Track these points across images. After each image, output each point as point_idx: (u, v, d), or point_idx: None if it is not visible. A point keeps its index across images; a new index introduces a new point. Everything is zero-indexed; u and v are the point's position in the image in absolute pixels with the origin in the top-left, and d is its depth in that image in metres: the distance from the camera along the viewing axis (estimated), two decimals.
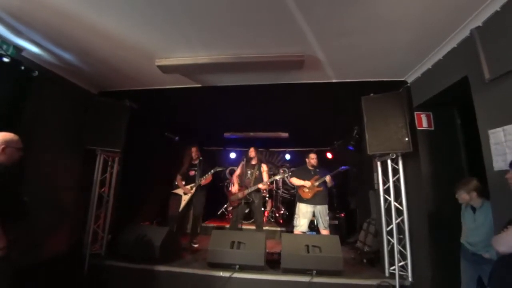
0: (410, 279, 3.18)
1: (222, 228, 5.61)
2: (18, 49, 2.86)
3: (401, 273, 3.18)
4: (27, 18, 2.41)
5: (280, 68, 3.16)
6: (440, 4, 2.12)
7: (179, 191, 4.60)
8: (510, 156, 1.89)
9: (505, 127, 1.96)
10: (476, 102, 2.28)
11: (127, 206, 4.60)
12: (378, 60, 3.04)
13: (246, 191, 4.36)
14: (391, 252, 3.33)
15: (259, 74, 3.37)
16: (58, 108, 3.43)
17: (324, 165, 4.84)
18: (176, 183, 4.68)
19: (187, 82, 3.66)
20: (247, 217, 5.76)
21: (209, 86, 3.78)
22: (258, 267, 3.28)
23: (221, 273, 3.23)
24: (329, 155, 7.03)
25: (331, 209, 5.27)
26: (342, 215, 5.65)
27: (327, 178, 4.25)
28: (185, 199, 4.52)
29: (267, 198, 6.88)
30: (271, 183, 7.19)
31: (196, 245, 4.50)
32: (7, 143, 1.93)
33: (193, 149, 4.71)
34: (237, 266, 3.25)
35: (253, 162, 4.56)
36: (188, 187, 4.55)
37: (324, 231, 4.22)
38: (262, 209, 5.74)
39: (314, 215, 4.31)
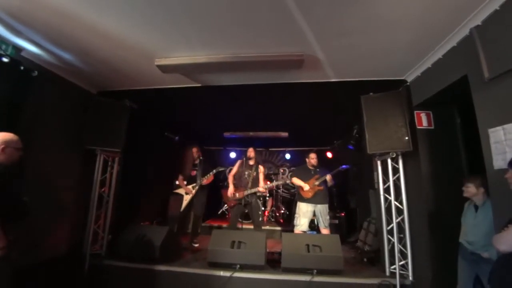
0: (410, 278, 3.18)
1: (223, 227, 5.61)
2: (18, 49, 2.85)
3: (401, 272, 3.18)
4: (27, 18, 2.41)
5: (280, 67, 3.16)
6: (440, 3, 2.12)
7: (181, 191, 4.61)
8: (510, 155, 1.89)
9: (505, 125, 1.96)
10: (476, 101, 2.28)
11: (127, 206, 4.60)
12: (377, 60, 3.04)
13: (246, 192, 4.33)
14: (391, 251, 3.34)
15: (258, 73, 3.37)
16: (57, 108, 3.43)
17: (324, 165, 4.84)
18: (178, 183, 4.68)
19: (186, 82, 3.66)
20: (248, 217, 5.75)
21: (208, 86, 3.78)
22: (258, 266, 3.28)
23: (221, 273, 3.23)
24: (329, 155, 7.04)
25: (332, 209, 5.27)
26: (343, 214, 5.66)
27: (328, 177, 4.26)
28: (186, 199, 4.52)
29: (267, 198, 6.88)
30: (271, 181, 7.20)
31: (196, 245, 4.50)
32: (7, 143, 1.93)
33: (194, 150, 4.71)
34: (238, 266, 3.25)
35: (251, 162, 4.52)
36: (190, 187, 4.55)
37: (325, 230, 4.23)
38: (263, 208, 5.74)
39: (314, 215, 4.31)
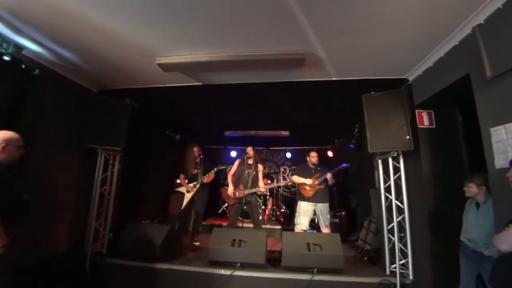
0: (411, 277, 3.18)
1: (223, 226, 5.62)
2: (19, 47, 2.85)
3: (402, 271, 3.18)
4: (28, 16, 2.41)
5: (281, 66, 3.16)
6: (442, 2, 2.11)
7: (182, 189, 4.61)
8: None
9: (507, 125, 1.96)
10: (478, 100, 2.27)
11: (128, 204, 4.61)
12: (379, 58, 3.03)
13: (246, 191, 4.34)
14: (392, 250, 3.34)
15: (260, 72, 3.37)
16: (58, 107, 3.43)
17: (325, 163, 4.84)
18: (179, 181, 4.68)
19: (187, 80, 3.66)
20: (247, 216, 5.76)
21: (209, 84, 3.78)
22: (259, 265, 3.28)
23: (222, 271, 3.24)
24: (330, 154, 7.03)
25: (332, 207, 5.27)
26: (343, 213, 5.65)
27: (328, 176, 4.26)
28: (187, 197, 4.53)
29: (268, 197, 6.89)
30: (272, 180, 7.22)
31: (197, 243, 4.51)
32: (8, 142, 1.93)
33: (195, 148, 4.71)
34: (238, 264, 3.26)
35: (250, 161, 4.53)
36: (191, 185, 4.56)
37: (325, 229, 4.23)
38: (263, 207, 5.76)
39: (315, 213, 4.31)
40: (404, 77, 3.45)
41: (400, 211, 3.36)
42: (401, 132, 3.16)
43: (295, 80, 3.57)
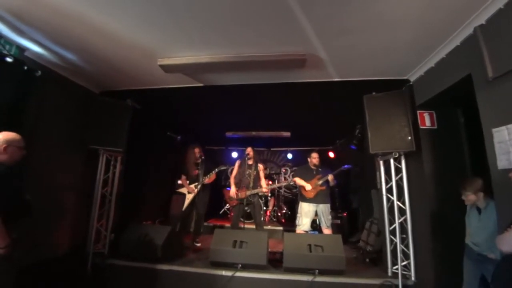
0: (413, 278, 3.17)
1: (225, 227, 5.62)
2: (21, 49, 2.87)
3: (404, 272, 3.17)
4: (30, 18, 2.42)
5: (282, 67, 3.16)
6: (443, 2, 2.11)
7: (183, 190, 4.62)
8: None
9: (509, 125, 1.95)
10: (480, 101, 2.26)
11: (130, 205, 4.62)
12: (380, 59, 3.03)
13: (248, 192, 4.34)
14: (393, 251, 3.32)
15: (261, 73, 3.37)
16: (60, 108, 3.45)
17: (326, 164, 4.83)
18: (180, 182, 4.69)
19: (189, 82, 3.67)
20: (249, 217, 5.76)
21: (211, 86, 3.78)
22: (260, 266, 3.28)
23: (223, 272, 3.24)
24: (331, 154, 7.01)
25: (334, 209, 5.26)
26: (345, 214, 5.64)
27: (329, 177, 4.25)
28: (189, 198, 4.54)
29: (269, 198, 6.88)
30: (273, 181, 7.21)
31: (198, 244, 4.51)
32: (9, 142, 1.93)
33: (196, 149, 4.71)
34: (239, 265, 3.25)
35: (250, 162, 4.55)
36: (192, 186, 4.56)
37: (327, 230, 4.22)
38: (264, 208, 5.75)
39: (316, 214, 4.31)
40: (405, 77, 3.44)
41: (402, 212, 3.35)
42: (402, 133, 3.16)
43: (296, 81, 3.57)
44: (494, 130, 2.09)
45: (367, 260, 3.92)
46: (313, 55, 2.92)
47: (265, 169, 4.66)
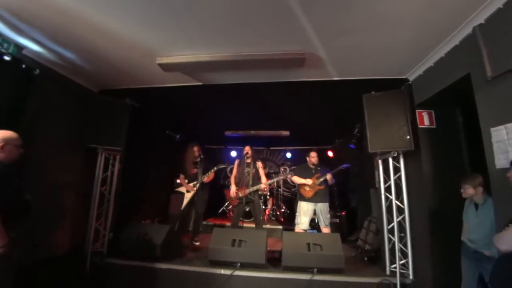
0: (411, 277, 3.18)
1: (223, 226, 5.63)
2: (19, 47, 2.86)
3: (402, 271, 3.18)
4: (28, 16, 2.41)
5: (281, 66, 3.15)
6: (442, 1, 2.11)
7: (182, 189, 4.61)
8: None
9: (507, 125, 1.96)
10: (478, 100, 2.27)
11: (129, 204, 4.61)
12: (379, 58, 3.03)
13: (247, 191, 4.36)
14: (392, 250, 3.33)
15: (260, 72, 3.36)
16: (59, 107, 3.43)
17: (325, 163, 4.84)
18: (179, 181, 4.69)
19: (188, 80, 3.66)
20: (248, 216, 5.76)
21: (210, 84, 3.78)
22: (259, 265, 3.28)
23: (222, 271, 3.24)
24: (330, 154, 7.02)
25: (332, 207, 5.28)
26: (343, 213, 5.65)
27: (328, 177, 4.26)
28: (188, 197, 4.53)
29: (268, 197, 6.89)
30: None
31: (197, 243, 4.51)
32: (6, 141, 1.93)
33: (195, 148, 4.71)
34: (238, 264, 3.26)
35: (248, 160, 4.57)
36: (191, 185, 4.56)
37: (325, 229, 4.23)
38: (263, 207, 5.76)
39: (315, 213, 4.32)
40: (404, 77, 3.45)
41: (400, 211, 3.36)
42: (401, 132, 3.16)
43: (295, 80, 3.56)
44: (492, 129, 2.09)
45: (366, 258, 3.94)
46: (313, 54, 2.92)
47: (264, 168, 4.67)
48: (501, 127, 2.01)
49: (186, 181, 4.62)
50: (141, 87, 3.98)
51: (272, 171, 7.92)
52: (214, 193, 5.92)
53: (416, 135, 3.16)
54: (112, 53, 3.05)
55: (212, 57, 3.00)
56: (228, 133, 6.42)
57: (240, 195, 4.40)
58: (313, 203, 4.26)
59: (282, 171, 7.83)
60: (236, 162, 4.75)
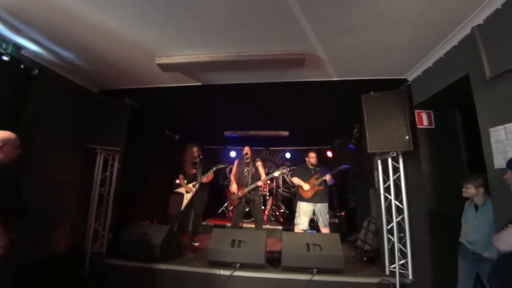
0: (410, 277, 3.19)
1: (223, 226, 5.62)
2: (18, 47, 2.85)
3: (401, 271, 3.18)
4: (27, 16, 2.40)
5: (281, 66, 3.15)
6: (441, 2, 2.11)
7: (182, 189, 4.61)
8: (511, 154, 1.89)
9: (506, 125, 1.96)
10: (477, 100, 2.27)
11: (128, 204, 4.60)
12: (378, 58, 3.03)
13: (246, 189, 4.38)
14: (391, 250, 3.34)
15: (259, 72, 3.37)
16: (58, 107, 3.42)
17: (324, 164, 4.84)
18: (178, 181, 4.68)
19: (187, 81, 3.66)
20: (248, 216, 5.76)
21: (209, 85, 3.77)
22: (258, 265, 3.28)
23: (221, 271, 3.24)
24: (329, 154, 7.03)
25: (332, 208, 5.28)
26: (343, 213, 5.65)
27: (327, 177, 4.26)
28: (187, 197, 4.53)
29: (267, 197, 6.89)
30: (271, 180, 7.22)
31: (196, 244, 4.51)
32: (5, 141, 1.92)
33: (194, 149, 4.71)
34: (238, 264, 3.26)
35: (248, 160, 4.61)
36: (191, 185, 4.55)
37: (324, 229, 4.24)
38: (262, 207, 5.75)
39: (314, 214, 4.32)
40: (403, 77, 3.45)
41: (399, 211, 3.37)
42: (400, 132, 3.16)
43: (295, 80, 3.56)
44: (491, 129, 2.10)
45: (365, 259, 3.94)
46: (312, 55, 2.92)
47: (264, 167, 4.68)
48: (500, 127, 2.01)
49: (186, 181, 4.62)
50: (140, 87, 3.97)
51: (272, 171, 7.90)
52: (214, 193, 5.91)
53: (415, 135, 3.17)
54: (111, 53, 3.04)
55: (211, 57, 2.99)
56: (227, 133, 6.41)
57: (240, 194, 4.41)
58: (312, 204, 4.26)
59: (280, 169, 7.83)
60: (236, 162, 4.78)
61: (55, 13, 2.33)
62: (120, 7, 2.26)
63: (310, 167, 4.47)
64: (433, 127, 3.22)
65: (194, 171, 4.64)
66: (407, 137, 3.12)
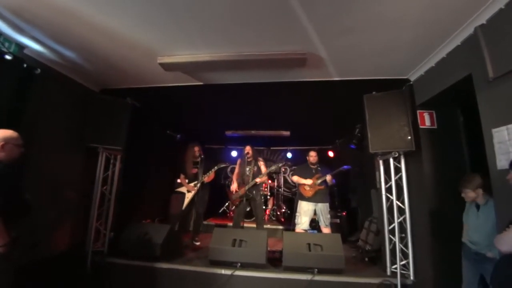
0: (412, 278, 3.18)
1: (224, 226, 5.63)
2: (21, 46, 2.86)
3: (402, 272, 3.18)
4: (30, 15, 2.41)
5: (282, 66, 3.15)
6: (444, 2, 2.10)
7: (183, 189, 4.62)
8: None
9: (509, 125, 1.95)
10: (480, 101, 2.26)
11: (129, 204, 4.61)
12: (380, 58, 3.02)
13: (246, 187, 4.39)
14: (393, 250, 3.33)
15: (261, 72, 3.36)
16: (60, 106, 3.44)
17: (325, 164, 4.84)
18: (179, 181, 4.69)
19: (189, 80, 3.66)
20: (249, 215, 5.76)
21: (211, 84, 3.77)
22: (259, 265, 3.28)
23: (222, 271, 3.24)
24: (330, 154, 7.01)
25: (333, 208, 5.28)
26: (344, 213, 5.65)
27: (328, 178, 4.26)
28: (188, 197, 4.54)
29: (268, 197, 6.89)
30: (272, 180, 7.22)
31: (197, 243, 4.52)
32: (7, 140, 1.93)
33: (196, 148, 4.71)
34: (239, 264, 3.26)
35: (249, 160, 4.62)
36: (192, 185, 4.56)
37: (325, 229, 4.23)
38: (264, 207, 5.76)
39: (315, 213, 4.32)
40: (405, 77, 3.44)
41: (401, 211, 3.36)
42: (402, 133, 3.15)
43: (296, 80, 3.56)
44: (494, 130, 2.09)
45: (366, 259, 3.93)
46: (314, 54, 2.91)
47: (266, 166, 4.68)
48: (503, 128, 2.00)
49: (187, 181, 4.62)
50: (141, 86, 3.98)
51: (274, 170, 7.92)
52: (215, 193, 5.92)
53: (417, 135, 3.16)
54: (112, 53, 3.05)
55: (213, 57, 2.99)
56: (228, 133, 6.41)
57: (240, 193, 4.42)
58: (313, 203, 4.26)
59: (283, 171, 7.84)
60: (238, 161, 4.83)
61: (55, 12, 2.34)
62: (120, 7, 2.27)
63: (311, 166, 4.47)
64: (435, 127, 3.21)
65: (195, 170, 4.64)
66: (409, 137, 3.11)
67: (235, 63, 3.07)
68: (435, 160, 3.12)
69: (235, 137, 6.79)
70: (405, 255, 3.28)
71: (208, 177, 4.60)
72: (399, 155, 3.34)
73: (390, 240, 3.38)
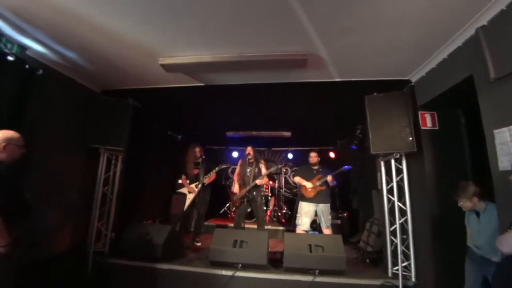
0: (413, 279, 3.16)
1: (225, 226, 5.63)
2: (23, 47, 2.87)
3: (404, 273, 3.16)
4: (32, 16, 2.42)
5: (283, 67, 3.15)
6: (445, 2, 2.10)
7: (184, 190, 4.62)
8: None
9: (511, 126, 1.95)
10: (481, 102, 2.25)
11: (130, 204, 4.62)
12: (382, 59, 3.02)
13: (246, 188, 4.39)
14: (394, 252, 3.32)
15: (262, 73, 3.36)
16: (62, 107, 3.45)
17: (326, 165, 4.83)
18: (181, 182, 4.69)
19: (190, 81, 3.67)
20: (250, 216, 5.76)
21: (212, 85, 3.78)
22: (260, 266, 3.28)
23: (223, 272, 3.24)
24: (332, 155, 7.01)
25: (334, 209, 5.27)
26: (345, 214, 5.64)
27: (329, 178, 4.25)
28: (189, 197, 4.54)
29: (269, 197, 6.88)
30: (274, 181, 7.22)
31: (198, 244, 4.51)
32: (8, 140, 1.93)
33: (197, 149, 4.72)
34: (240, 265, 3.25)
35: (250, 160, 4.62)
36: (193, 185, 4.56)
37: (327, 230, 4.22)
38: (264, 208, 5.76)
39: (316, 214, 4.31)
40: (407, 78, 3.43)
41: (402, 213, 3.35)
42: (403, 134, 3.15)
43: (297, 81, 3.56)
44: (495, 131, 2.08)
45: (368, 260, 3.92)
46: (314, 55, 2.91)
47: (266, 168, 4.68)
48: (505, 129, 2.00)
49: (188, 181, 4.63)
50: (143, 87, 3.99)
51: (274, 172, 7.92)
52: (216, 193, 5.92)
53: (418, 136, 3.15)
54: (114, 54, 3.06)
55: (214, 58, 3.00)
56: (229, 133, 6.42)
57: (241, 194, 4.43)
58: (314, 204, 4.25)
59: (284, 172, 7.84)
60: (240, 162, 4.83)
61: (58, 14, 2.35)
62: (120, 7, 2.27)
63: (312, 167, 4.46)
64: (437, 128, 3.20)
65: (196, 171, 4.65)
66: (411, 138, 3.10)
67: (236, 64, 3.07)
68: (436, 161, 3.11)
69: (236, 138, 6.80)
70: (406, 257, 3.27)
71: (209, 178, 4.60)
72: (401, 156, 3.33)
73: (392, 241, 3.37)
